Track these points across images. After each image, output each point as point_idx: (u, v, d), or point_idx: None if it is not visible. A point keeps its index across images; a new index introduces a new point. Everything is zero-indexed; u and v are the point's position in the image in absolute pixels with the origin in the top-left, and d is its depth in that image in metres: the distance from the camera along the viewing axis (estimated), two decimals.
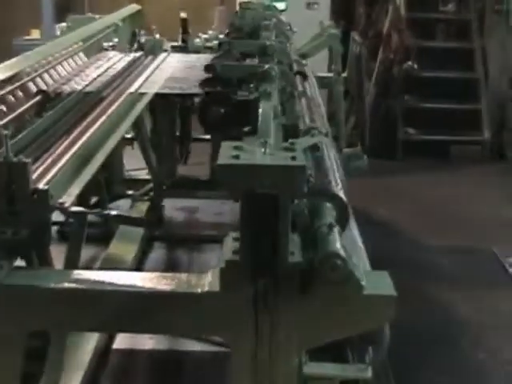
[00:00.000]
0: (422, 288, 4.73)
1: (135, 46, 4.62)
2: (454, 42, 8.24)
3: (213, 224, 5.46)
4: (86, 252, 4.31)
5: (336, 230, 1.75)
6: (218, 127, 2.09)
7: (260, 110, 1.81)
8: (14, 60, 3.27)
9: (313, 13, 7.00)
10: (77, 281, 1.76)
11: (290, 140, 1.69)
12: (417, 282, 4.68)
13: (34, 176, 2.05)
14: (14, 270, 1.82)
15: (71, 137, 2.49)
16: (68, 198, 2.02)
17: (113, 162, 4.97)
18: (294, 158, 1.60)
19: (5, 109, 3.02)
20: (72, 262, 2.31)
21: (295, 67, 3.02)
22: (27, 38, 7.73)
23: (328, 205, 1.89)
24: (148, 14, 9.54)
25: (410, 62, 7.50)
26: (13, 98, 3.12)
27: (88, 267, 4.12)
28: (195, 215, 5.71)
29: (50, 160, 2.23)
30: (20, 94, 3.17)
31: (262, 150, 1.64)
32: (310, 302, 1.69)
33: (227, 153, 1.63)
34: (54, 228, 4.01)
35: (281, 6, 6.90)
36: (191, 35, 4.79)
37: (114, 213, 2.35)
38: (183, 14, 4.64)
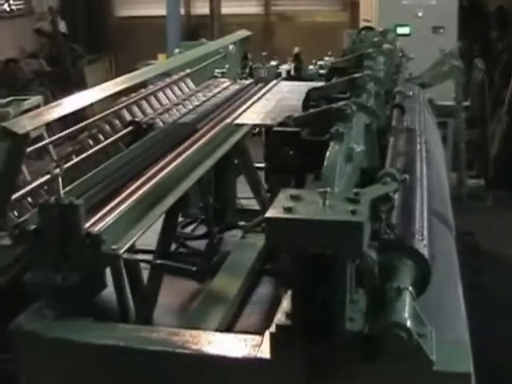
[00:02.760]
0: None
1: (246, 72, 4.49)
2: None
3: None
4: (191, 285, 4.24)
5: (407, 294, 1.53)
6: (285, 168, 1.92)
7: (327, 153, 1.61)
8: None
9: (439, 37, 6.68)
10: (116, 337, 1.62)
11: (355, 190, 1.48)
12: None
13: (95, 219, 1.93)
14: (56, 319, 1.70)
15: (146, 176, 2.37)
16: (122, 244, 1.88)
17: (225, 190, 4.85)
18: (354, 213, 1.40)
19: (100, 136, 2.99)
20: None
21: (397, 99, 2.80)
22: (151, 62, 7.81)
23: (407, 262, 1.67)
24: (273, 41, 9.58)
25: None
26: (108, 127, 3.08)
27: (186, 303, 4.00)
28: None
29: (116, 201, 2.11)
30: (116, 122, 3.12)
31: (322, 201, 1.44)
32: (371, 375, 1.48)
33: (281, 203, 1.45)
34: None
35: (405, 30, 6.65)
36: (305, 63, 4.62)
37: (159, 261, 2.20)
38: (296, 49, 4.48)
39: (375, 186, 1.59)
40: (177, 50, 4.84)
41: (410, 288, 1.56)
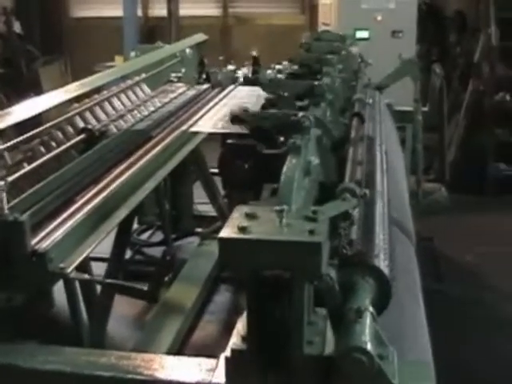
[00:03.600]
0: None
1: (203, 77, 4.41)
2: None
3: None
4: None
5: (368, 314, 1.47)
6: (240, 184, 1.85)
7: (284, 168, 1.54)
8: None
9: (398, 41, 6.67)
10: (63, 362, 1.53)
11: (313, 207, 1.42)
12: None
13: (42, 234, 1.84)
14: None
15: (97, 187, 2.28)
16: (71, 262, 1.79)
17: (181, 197, 4.77)
18: (312, 232, 1.33)
19: (53, 144, 2.89)
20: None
21: (356, 107, 2.75)
22: (108, 64, 7.68)
23: (367, 279, 1.61)
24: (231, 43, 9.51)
25: (501, 94, 7.07)
26: (60, 134, 2.98)
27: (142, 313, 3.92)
28: None
29: (65, 215, 2.02)
30: (70, 129, 3.03)
31: (278, 220, 1.37)
32: None
33: (236, 222, 1.38)
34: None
35: (364, 34, 6.62)
36: (263, 67, 4.54)
37: (108, 281, 2.12)
38: (254, 53, 4.41)
39: (334, 203, 1.53)
40: (133, 53, 4.74)
41: (371, 308, 1.50)
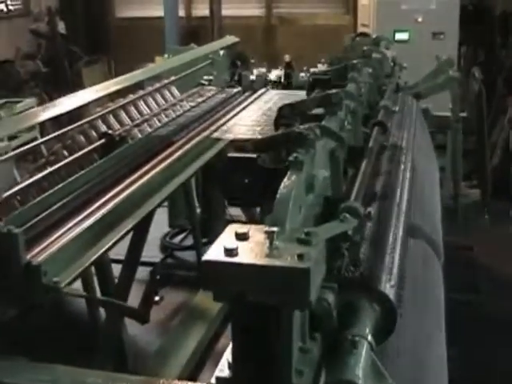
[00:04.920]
0: None
1: (234, 79, 4.34)
2: None
3: None
4: (177, 298, 4.10)
5: (364, 345, 1.38)
6: (240, 199, 1.77)
7: (281, 184, 1.46)
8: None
9: (439, 43, 6.50)
10: (52, 381, 1.48)
11: (307, 229, 1.33)
12: None
13: (40, 248, 1.80)
14: None
15: (103, 198, 2.22)
16: (66, 277, 1.73)
17: (212, 201, 4.71)
18: (301, 257, 1.24)
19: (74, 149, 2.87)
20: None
21: (380, 115, 2.65)
22: (148, 64, 7.67)
23: (369, 304, 1.52)
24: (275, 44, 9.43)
25: None
26: (83, 138, 2.96)
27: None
28: None
29: (66, 227, 1.96)
30: (92, 133, 3.00)
31: (268, 242, 1.29)
32: None
33: (224, 242, 1.30)
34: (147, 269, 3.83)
35: (403, 36, 6.48)
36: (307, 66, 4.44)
37: (102, 298, 2.05)
38: (287, 58, 4.31)
39: (332, 224, 1.45)
40: (166, 55, 4.71)
41: (370, 337, 1.41)
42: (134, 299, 2.64)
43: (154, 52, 8.31)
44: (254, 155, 1.82)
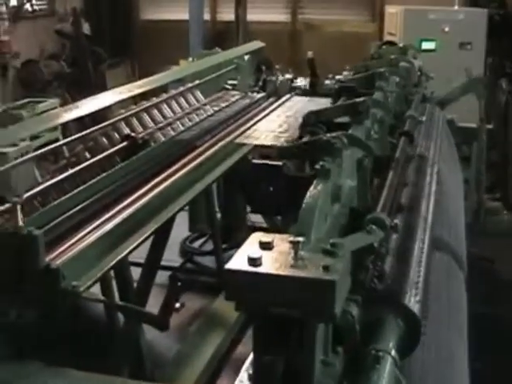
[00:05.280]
0: None
1: (259, 85, 4.31)
2: None
3: None
4: (196, 303, 4.08)
5: (388, 360, 1.35)
6: (263, 206, 1.73)
7: (307, 193, 1.43)
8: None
9: (466, 53, 6.45)
10: None
11: (333, 240, 1.30)
12: None
13: (60, 250, 1.77)
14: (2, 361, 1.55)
15: (124, 202, 2.19)
16: (85, 281, 1.71)
17: (233, 206, 4.68)
18: (326, 269, 1.21)
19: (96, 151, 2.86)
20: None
21: (407, 125, 2.61)
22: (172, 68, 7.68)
23: (393, 319, 1.49)
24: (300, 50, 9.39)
25: None
26: (105, 140, 2.94)
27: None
28: None
29: (86, 231, 1.94)
30: (115, 135, 2.98)
31: (293, 252, 1.26)
32: None
33: (248, 251, 1.27)
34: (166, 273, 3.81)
35: (430, 45, 6.43)
36: (321, 77, 4.41)
37: (120, 303, 2.02)
38: (310, 54, 4.27)
39: (358, 235, 1.41)
40: (190, 59, 4.69)
41: (393, 352, 1.38)
42: (152, 304, 2.64)
43: (179, 55, 8.32)
44: (279, 163, 1.79)
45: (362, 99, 2.16)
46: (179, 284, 1.76)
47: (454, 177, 3.26)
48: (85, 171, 2.61)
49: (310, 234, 1.36)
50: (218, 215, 4.46)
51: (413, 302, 1.53)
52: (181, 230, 4.81)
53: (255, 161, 1.83)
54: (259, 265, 1.23)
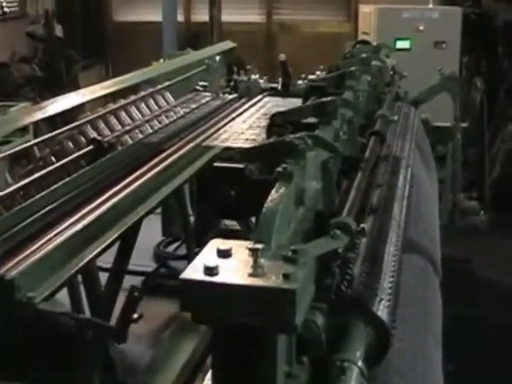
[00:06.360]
0: None
1: (230, 86, 4.25)
2: None
3: None
4: (170, 308, 4.01)
5: (354, 371, 1.29)
6: (227, 212, 1.67)
7: (268, 197, 1.36)
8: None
9: (441, 52, 6.42)
10: None
11: (294, 246, 1.23)
12: None
13: (15, 260, 1.71)
14: None
15: (90, 206, 2.13)
16: (43, 291, 1.64)
17: (206, 209, 4.59)
18: (286, 277, 1.15)
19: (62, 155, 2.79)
20: None
21: (378, 124, 2.56)
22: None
23: (361, 326, 1.43)
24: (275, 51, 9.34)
25: None
26: (71, 144, 2.86)
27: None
28: None
29: (44, 239, 1.87)
30: (82, 139, 2.91)
31: (252, 260, 1.20)
32: None
33: (204, 260, 1.21)
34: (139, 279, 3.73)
35: (405, 44, 6.40)
36: (293, 77, 4.35)
37: (76, 316, 1.95)
38: (282, 57, 4.21)
39: (322, 240, 1.35)
40: (161, 60, 4.62)
41: (360, 362, 1.32)
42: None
43: (152, 57, 8.20)
44: (241, 165, 1.73)
45: (330, 99, 2.10)
46: (137, 295, 1.68)
47: (427, 177, 3.21)
48: (50, 176, 2.54)
49: (270, 241, 1.29)
50: (192, 219, 4.38)
51: (381, 307, 1.47)
52: (155, 235, 4.75)
53: (216, 164, 1.76)
54: (216, 274, 1.17)
